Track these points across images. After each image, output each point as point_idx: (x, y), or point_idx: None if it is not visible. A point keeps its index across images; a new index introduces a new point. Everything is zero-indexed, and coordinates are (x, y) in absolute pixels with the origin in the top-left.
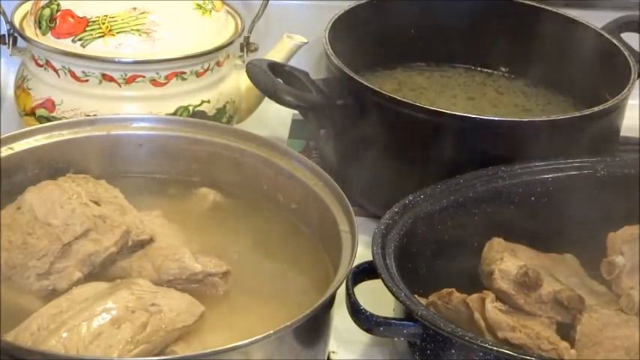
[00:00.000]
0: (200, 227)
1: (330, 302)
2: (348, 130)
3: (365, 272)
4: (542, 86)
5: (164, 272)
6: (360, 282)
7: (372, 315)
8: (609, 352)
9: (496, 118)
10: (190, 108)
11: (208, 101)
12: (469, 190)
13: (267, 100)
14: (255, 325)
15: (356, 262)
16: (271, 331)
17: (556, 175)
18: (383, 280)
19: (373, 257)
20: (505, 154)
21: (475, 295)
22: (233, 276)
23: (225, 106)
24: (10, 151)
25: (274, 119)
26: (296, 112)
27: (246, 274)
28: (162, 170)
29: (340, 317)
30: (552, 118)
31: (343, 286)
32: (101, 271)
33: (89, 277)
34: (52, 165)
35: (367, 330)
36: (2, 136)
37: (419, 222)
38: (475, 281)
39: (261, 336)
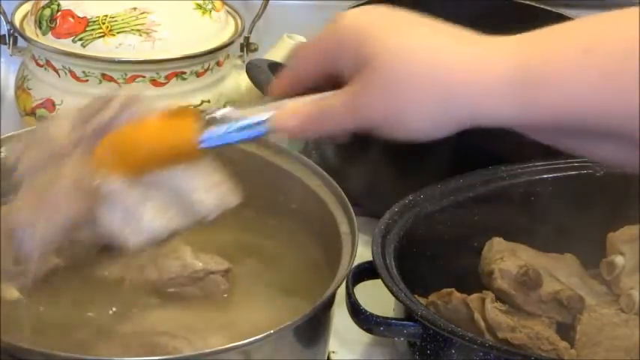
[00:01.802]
0: (200, 228)
1: (330, 302)
2: None
3: (365, 272)
4: None
5: (165, 270)
6: (360, 282)
7: (371, 315)
8: (609, 352)
9: None
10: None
11: (208, 101)
12: (469, 190)
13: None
14: (255, 325)
15: (357, 262)
16: (271, 331)
17: (556, 175)
18: (383, 280)
19: (373, 257)
20: (504, 153)
21: (475, 295)
22: (234, 274)
23: (225, 106)
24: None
25: None
26: None
27: (246, 274)
28: None
29: (340, 317)
30: None
31: (343, 286)
32: (99, 267)
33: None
34: None
35: (367, 330)
36: (2, 136)
37: (419, 222)
38: (475, 281)
39: (261, 336)
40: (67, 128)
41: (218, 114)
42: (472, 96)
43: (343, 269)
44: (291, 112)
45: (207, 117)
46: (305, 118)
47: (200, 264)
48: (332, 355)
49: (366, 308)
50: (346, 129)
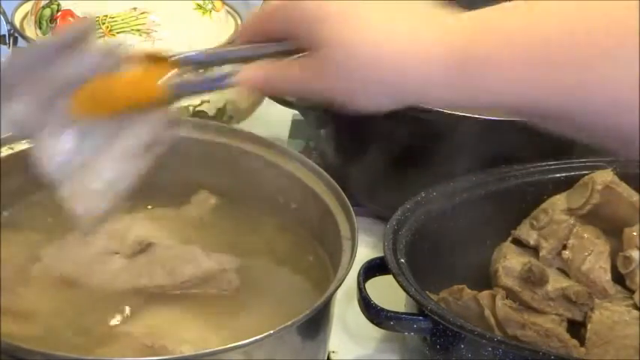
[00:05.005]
0: (200, 229)
1: (330, 302)
2: (348, 129)
3: (376, 268)
4: None
5: (179, 274)
6: (372, 277)
7: (382, 309)
8: (619, 351)
9: (494, 118)
10: (190, 108)
11: (208, 101)
12: (482, 187)
13: (267, 100)
14: (255, 325)
15: (359, 263)
16: (272, 331)
17: (568, 174)
18: (393, 275)
19: (384, 253)
20: (505, 153)
21: (486, 292)
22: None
23: (225, 106)
24: (10, 151)
25: (274, 119)
26: (296, 112)
27: (245, 274)
28: (162, 170)
29: (340, 318)
30: None
31: (348, 284)
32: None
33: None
34: None
35: (377, 324)
36: (2, 136)
37: (431, 219)
38: (487, 278)
39: (262, 336)
40: None
41: (186, 56)
42: (411, 83)
43: (343, 269)
44: (256, 69)
45: (176, 58)
46: (267, 75)
47: (213, 263)
48: (332, 355)
49: (377, 303)
50: (301, 95)
